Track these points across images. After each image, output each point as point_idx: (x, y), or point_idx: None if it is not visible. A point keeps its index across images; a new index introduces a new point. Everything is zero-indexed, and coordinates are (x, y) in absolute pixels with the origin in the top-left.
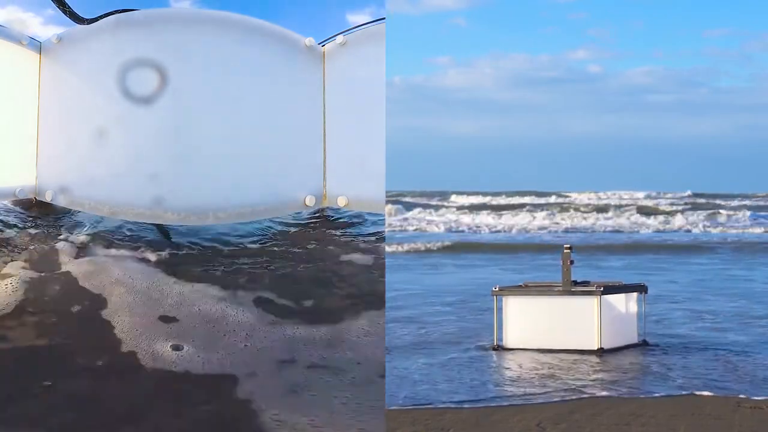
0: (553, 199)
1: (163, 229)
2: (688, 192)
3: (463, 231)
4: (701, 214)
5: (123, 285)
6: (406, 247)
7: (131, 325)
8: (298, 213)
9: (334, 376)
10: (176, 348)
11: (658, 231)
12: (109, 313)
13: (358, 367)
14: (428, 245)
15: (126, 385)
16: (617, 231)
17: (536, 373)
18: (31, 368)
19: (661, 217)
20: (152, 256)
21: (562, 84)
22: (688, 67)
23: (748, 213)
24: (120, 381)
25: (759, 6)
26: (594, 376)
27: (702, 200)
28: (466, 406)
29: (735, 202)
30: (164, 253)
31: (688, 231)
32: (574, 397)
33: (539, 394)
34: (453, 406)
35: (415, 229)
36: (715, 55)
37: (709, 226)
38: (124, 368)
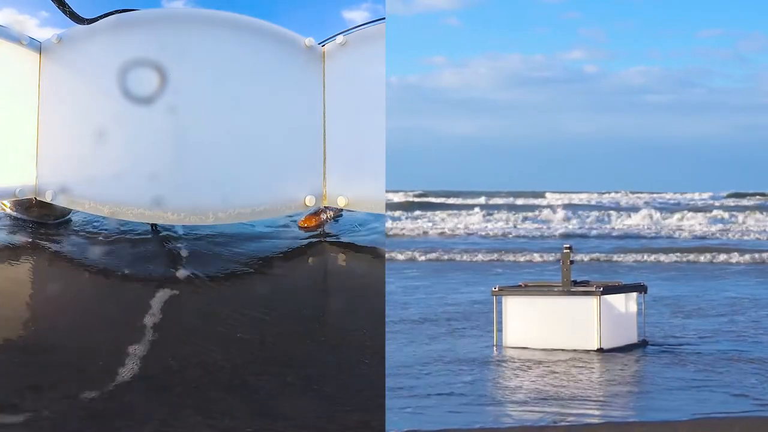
0: (552, 199)
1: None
2: (689, 194)
3: (461, 233)
4: (711, 216)
5: None
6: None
7: None
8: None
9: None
10: None
11: (663, 235)
12: None
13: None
14: (428, 251)
15: None
16: (619, 235)
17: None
18: None
19: (668, 220)
20: None
21: (557, 84)
22: (684, 68)
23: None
24: None
25: (749, 7)
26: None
27: (706, 202)
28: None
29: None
30: None
31: (697, 235)
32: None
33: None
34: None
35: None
36: (708, 55)
37: (727, 230)
38: None
